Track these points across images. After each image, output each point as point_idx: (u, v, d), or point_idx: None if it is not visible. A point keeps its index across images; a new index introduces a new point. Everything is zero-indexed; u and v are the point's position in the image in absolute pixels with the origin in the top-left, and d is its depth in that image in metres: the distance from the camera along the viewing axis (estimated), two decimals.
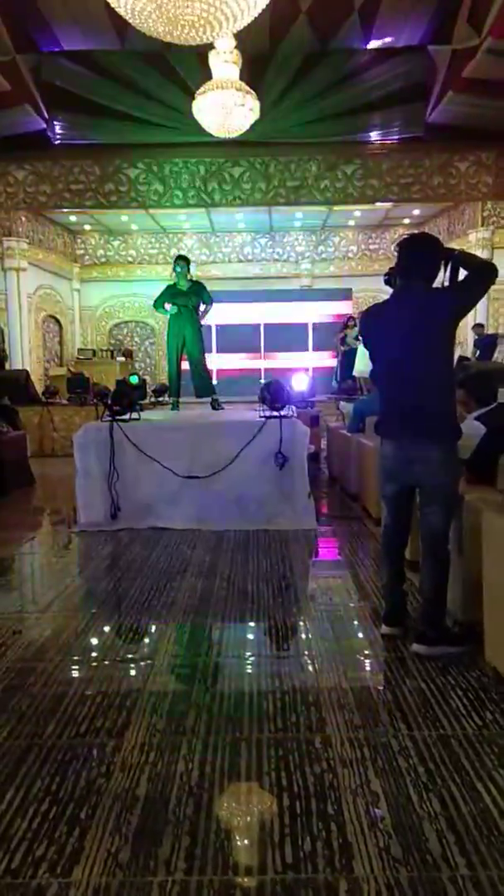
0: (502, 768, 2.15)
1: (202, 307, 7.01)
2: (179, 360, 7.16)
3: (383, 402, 3.20)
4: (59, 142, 8.67)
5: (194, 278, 7.11)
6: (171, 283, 7.09)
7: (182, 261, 6.97)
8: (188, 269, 6.96)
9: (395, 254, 3.12)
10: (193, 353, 7.09)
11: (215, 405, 7.29)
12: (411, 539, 3.48)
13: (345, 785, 2.08)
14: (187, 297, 6.93)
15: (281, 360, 15.54)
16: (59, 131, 8.58)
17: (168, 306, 6.96)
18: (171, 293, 6.97)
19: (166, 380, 8.35)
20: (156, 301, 7.07)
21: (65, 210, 12.03)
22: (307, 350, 15.75)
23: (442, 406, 2.97)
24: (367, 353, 3.44)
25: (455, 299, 2.95)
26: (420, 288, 2.98)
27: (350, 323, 13.28)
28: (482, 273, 2.94)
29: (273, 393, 5.65)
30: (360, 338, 4.04)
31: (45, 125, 8.51)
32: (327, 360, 14.97)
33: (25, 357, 13.19)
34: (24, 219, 13.20)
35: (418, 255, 3.02)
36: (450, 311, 2.92)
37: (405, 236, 3.13)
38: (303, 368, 12.33)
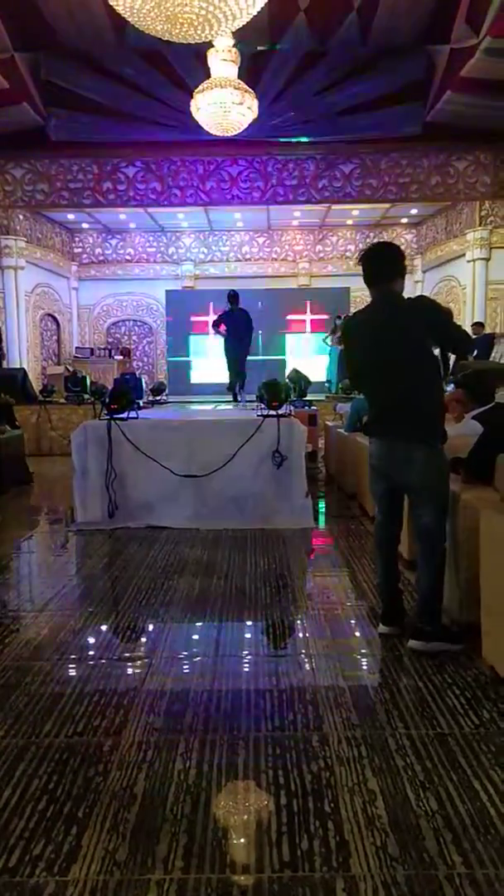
0: (499, 766, 2.15)
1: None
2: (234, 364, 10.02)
3: (370, 404, 3.31)
4: (57, 140, 8.65)
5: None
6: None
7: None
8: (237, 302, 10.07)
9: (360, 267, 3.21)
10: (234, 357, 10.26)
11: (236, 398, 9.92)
12: (408, 538, 3.49)
13: (342, 783, 2.08)
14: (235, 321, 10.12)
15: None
16: (57, 129, 8.56)
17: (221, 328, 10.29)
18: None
19: (164, 378, 10.25)
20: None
21: (63, 208, 12.02)
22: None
23: (426, 408, 3.02)
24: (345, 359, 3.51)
25: (431, 327, 3.01)
26: (391, 291, 3.08)
27: (339, 322, 13.24)
28: (458, 346, 3.18)
29: (271, 392, 5.66)
30: (340, 345, 4.08)
31: (43, 123, 8.50)
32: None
33: (23, 355, 13.17)
34: (21, 217, 13.19)
35: (377, 263, 3.12)
36: (424, 332, 3.01)
37: (363, 250, 3.22)
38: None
